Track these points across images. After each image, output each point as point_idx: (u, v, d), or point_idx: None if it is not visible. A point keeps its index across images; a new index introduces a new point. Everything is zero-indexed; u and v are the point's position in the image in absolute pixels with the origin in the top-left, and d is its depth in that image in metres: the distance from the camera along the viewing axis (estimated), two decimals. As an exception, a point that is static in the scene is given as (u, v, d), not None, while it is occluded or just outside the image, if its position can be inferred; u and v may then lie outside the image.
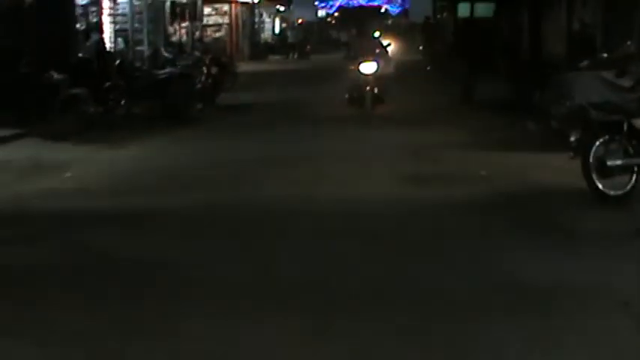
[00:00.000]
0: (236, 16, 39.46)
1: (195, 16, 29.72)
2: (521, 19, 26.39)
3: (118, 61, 17.74)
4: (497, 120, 15.79)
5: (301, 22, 53.03)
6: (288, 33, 48.11)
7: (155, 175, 11.06)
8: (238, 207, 8.93)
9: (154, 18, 24.77)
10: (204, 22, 39.11)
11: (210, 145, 13.90)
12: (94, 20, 20.65)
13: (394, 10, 59.55)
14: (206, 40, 38.41)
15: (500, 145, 12.64)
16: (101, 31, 19.98)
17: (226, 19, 39.20)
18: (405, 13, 57.51)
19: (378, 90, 16.82)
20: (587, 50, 13.86)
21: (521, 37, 25.11)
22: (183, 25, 32.74)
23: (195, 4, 29.52)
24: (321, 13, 57.61)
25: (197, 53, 30.66)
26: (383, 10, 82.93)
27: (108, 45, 20.41)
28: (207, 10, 39.10)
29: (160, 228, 8.05)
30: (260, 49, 43.51)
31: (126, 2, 22.30)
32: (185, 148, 13.65)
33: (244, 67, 35.98)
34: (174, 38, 30.23)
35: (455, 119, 16.32)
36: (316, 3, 54.37)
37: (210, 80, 18.98)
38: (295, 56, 44.02)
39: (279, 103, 20.54)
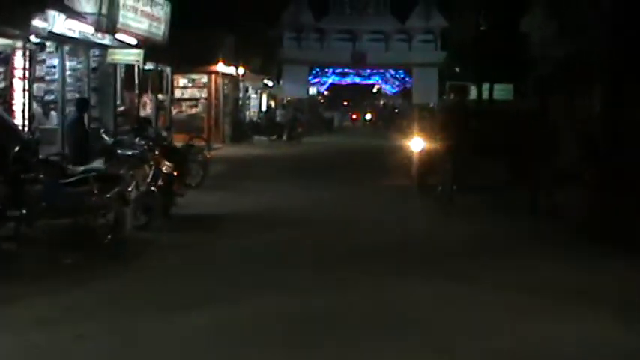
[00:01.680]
0: (216, 89, 33.04)
1: (162, 87, 23.17)
2: (580, 103, 20.15)
3: (17, 149, 10.99)
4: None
5: (290, 100, 46.91)
6: (277, 111, 41.84)
7: None
8: None
9: (101, 87, 18.25)
10: (180, 95, 32.75)
11: (129, 328, 7.07)
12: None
13: (391, 90, 53.49)
14: (180, 116, 32.09)
15: None
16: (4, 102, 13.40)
17: (204, 93, 32.78)
18: (405, 92, 51.47)
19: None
20: None
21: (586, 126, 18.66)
22: (147, 98, 26.47)
23: (161, 72, 23.00)
24: (312, 90, 51.57)
25: (164, 134, 24.42)
26: (375, 90, 77.11)
27: (21, 121, 13.85)
28: (182, 80, 32.78)
29: None
30: (244, 129, 37.14)
31: (55, 63, 15.79)
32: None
33: (224, 151, 29.56)
34: (145, 114, 23.92)
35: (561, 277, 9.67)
36: (309, 78, 48.18)
37: (159, 182, 12.32)
38: (284, 138, 37.70)
39: (263, 216, 13.86)
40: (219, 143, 31.79)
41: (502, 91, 37.28)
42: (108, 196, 10.22)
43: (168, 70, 24.00)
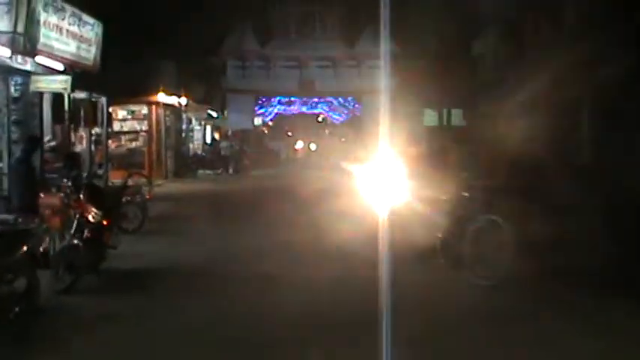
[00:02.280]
0: (157, 121, 30.75)
1: (96, 119, 20.81)
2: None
3: None
4: None
5: (236, 131, 44.72)
6: (222, 143, 39.63)
7: None
8: None
9: (25, 120, 15.87)
10: (119, 128, 30.39)
11: None
12: None
13: (338, 118, 51.56)
14: (119, 151, 29.70)
15: None
16: None
17: (145, 125, 30.46)
18: (353, 121, 49.54)
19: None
20: None
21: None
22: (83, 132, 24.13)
23: (95, 102, 20.64)
24: (258, 120, 49.44)
25: (99, 171, 22.09)
26: (321, 119, 74.96)
27: None
28: (121, 112, 30.44)
29: None
30: (188, 163, 34.84)
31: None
32: None
33: (166, 187, 27.27)
34: (80, 149, 21.58)
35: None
36: (255, 108, 46.11)
37: (85, 233, 10.10)
38: (231, 171, 35.56)
39: (210, 271, 11.60)
40: (161, 179, 29.49)
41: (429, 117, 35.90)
42: (15, 256, 7.97)
43: (103, 100, 21.64)
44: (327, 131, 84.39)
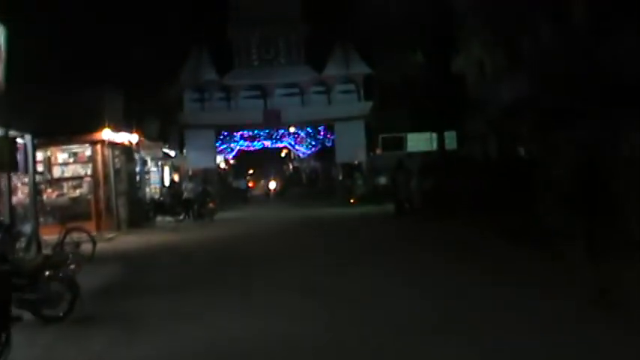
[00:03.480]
0: (104, 163, 25.94)
1: (14, 162, 15.91)
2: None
3: None
4: None
5: (196, 171, 40.09)
6: (187, 185, 34.83)
7: None
8: None
9: None
10: (60, 173, 25.61)
11: None
12: None
13: (305, 152, 46.87)
14: (60, 201, 24.92)
15: None
16: None
17: (90, 169, 25.69)
18: (322, 153, 44.99)
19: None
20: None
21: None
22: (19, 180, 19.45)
23: (12, 140, 15.70)
24: (220, 158, 44.85)
25: (27, 228, 17.36)
26: (284, 154, 70.41)
27: None
28: (61, 156, 25.70)
29: None
30: (144, 210, 30.14)
31: None
32: None
33: (118, 241, 22.71)
34: (17, 200, 17.03)
35: None
36: (216, 144, 41.43)
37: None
38: (193, 217, 30.99)
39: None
40: (113, 231, 24.75)
41: (424, 141, 31.82)
42: None
43: (27, 138, 16.93)
44: (290, 166, 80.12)
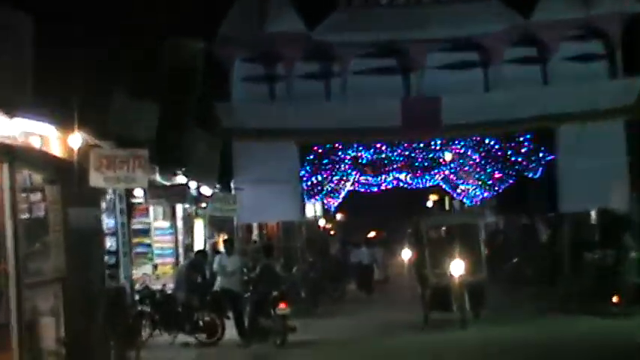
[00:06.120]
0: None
1: None
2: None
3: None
4: None
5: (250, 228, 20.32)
6: (215, 262, 15.16)
7: None
8: None
9: None
10: None
11: None
12: None
13: (478, 194, 25.76)
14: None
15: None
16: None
17: None
18: (517, 193, 23.78)
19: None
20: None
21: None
22: None
23: None
24: (312, 208, 24.79)
25: None
26: (430, 203, 46.70)
27: None
28: None
29: None
30: (125, 322, 11.50)
31: None
32: None
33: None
34: None
35: None
36: (302, 172, 20.68)
37: None
38: (241, 335, 12.04)
39: None
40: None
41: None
42: None
43: None
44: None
